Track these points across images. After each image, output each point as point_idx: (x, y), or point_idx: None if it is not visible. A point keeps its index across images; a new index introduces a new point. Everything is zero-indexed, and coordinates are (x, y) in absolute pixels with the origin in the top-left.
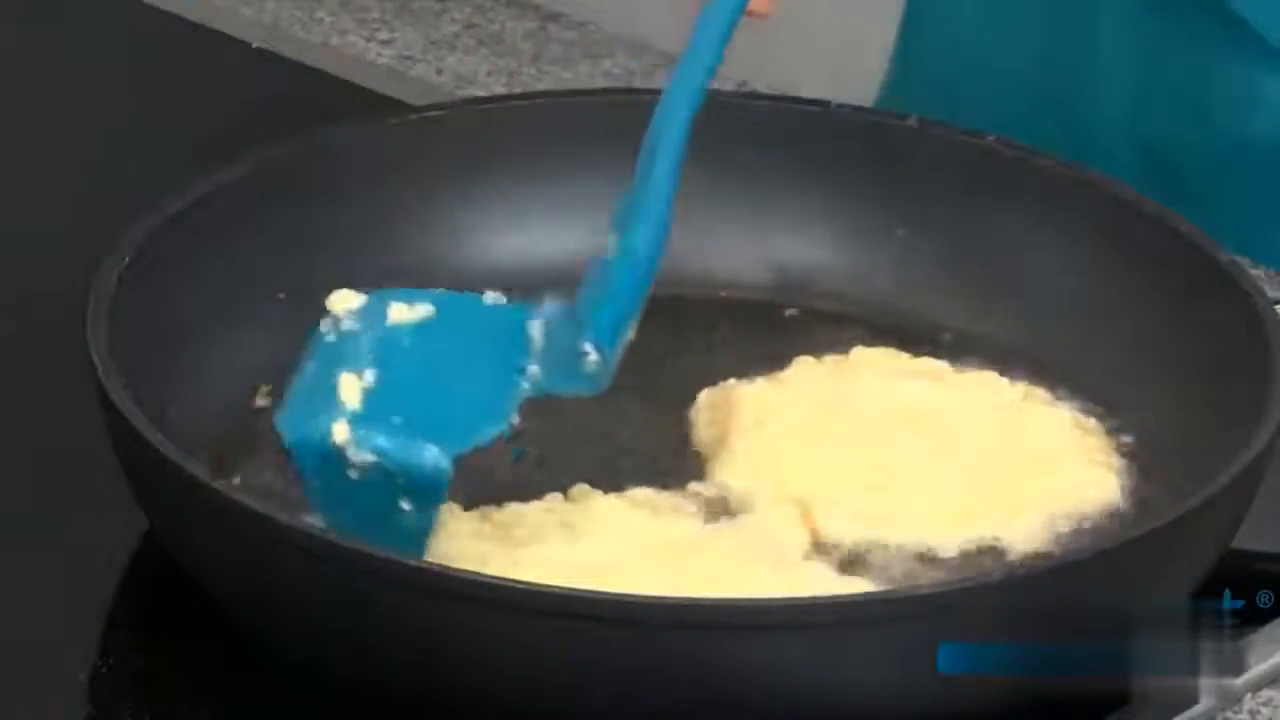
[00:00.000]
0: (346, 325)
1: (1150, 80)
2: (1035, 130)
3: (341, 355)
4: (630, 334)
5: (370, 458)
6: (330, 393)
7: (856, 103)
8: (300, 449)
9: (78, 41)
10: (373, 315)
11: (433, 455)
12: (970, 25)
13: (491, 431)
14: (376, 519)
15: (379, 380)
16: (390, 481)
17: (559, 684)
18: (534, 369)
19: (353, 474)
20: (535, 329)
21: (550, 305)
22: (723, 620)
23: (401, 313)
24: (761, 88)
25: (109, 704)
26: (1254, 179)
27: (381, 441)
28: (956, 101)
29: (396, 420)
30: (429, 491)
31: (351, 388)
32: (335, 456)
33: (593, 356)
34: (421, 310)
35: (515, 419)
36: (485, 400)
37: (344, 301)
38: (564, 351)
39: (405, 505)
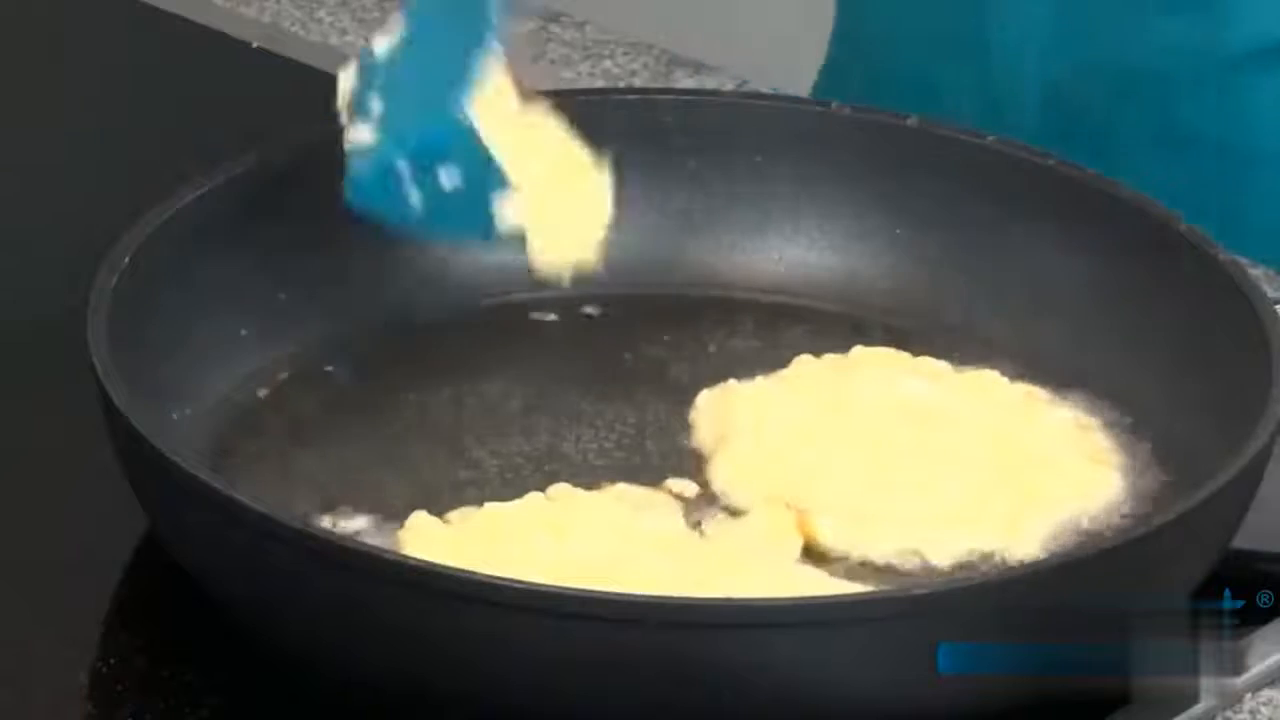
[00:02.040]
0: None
1: (1049, 24)
2: (946, 83)
3: (355, 111)
4: None
5: (405, 165)
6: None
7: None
8: (369, 203)
9: (78, 41)
10: (366, 67)
11: (446, 113)
12: None
13: (484, 57)
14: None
15: (385, 105)
16: (434, 166)
17: (557, 683)
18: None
19: (410, 192)
20: None
21: None
22: (723, 620)
23: (383, 42)
24: (761, 88)
25: (109, 704)
26: (1141, 112)
27: (387, 142)
28: (883, 69)
29: (412, 112)
30: (462, 145)
31: (361, 130)
32: (392, 183)
33: None
34: (396, 27)
35: (497, 45)
36: (469, 43)
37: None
38: None
39: (452, 177)
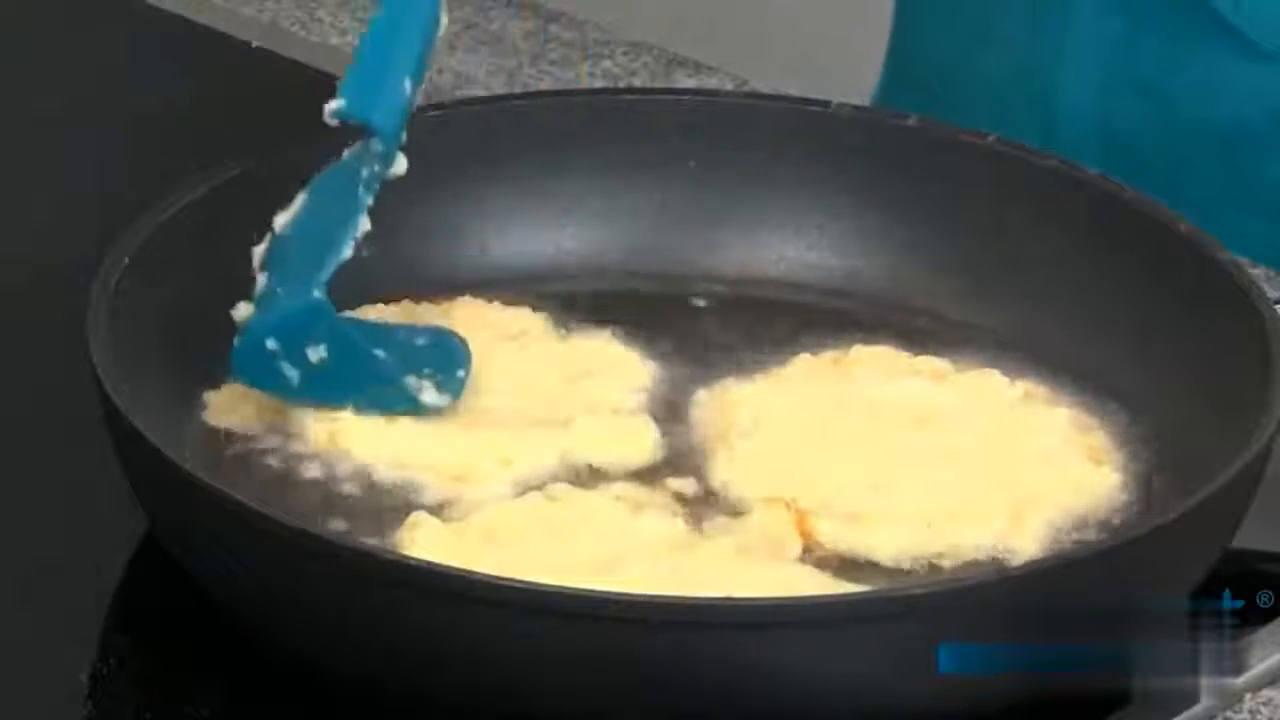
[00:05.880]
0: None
1: (1117, 75)
2: (1008, 128)
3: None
4: (411, 96)
5: (274, 344)
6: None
7: (856, 102)
8: (258, 381)
9: (78, 41)
10: (270, 239)
11: (305, 294)
12: (952, 27)
13: (347, 246)
14: (354, 379)
15: (268, 279)
16: (303, 344)
17: (557, 683)
18: (364, 172)
19: (285, 368)
20: (374, 143)
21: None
22: (724, 619)
23: (282, 218)
24: (762, 88)
25: (109, 704)
26: (1214, 165)
27: (258, 320)
28: (941, 103)
29: (279, 292)
30: (320, 326)
31: (240, 308)
32: (267, 359)
33: (331, 112)
34: (298, 201)
35: (366, 224)
36: (341, 222)
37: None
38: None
39: (322, 354)
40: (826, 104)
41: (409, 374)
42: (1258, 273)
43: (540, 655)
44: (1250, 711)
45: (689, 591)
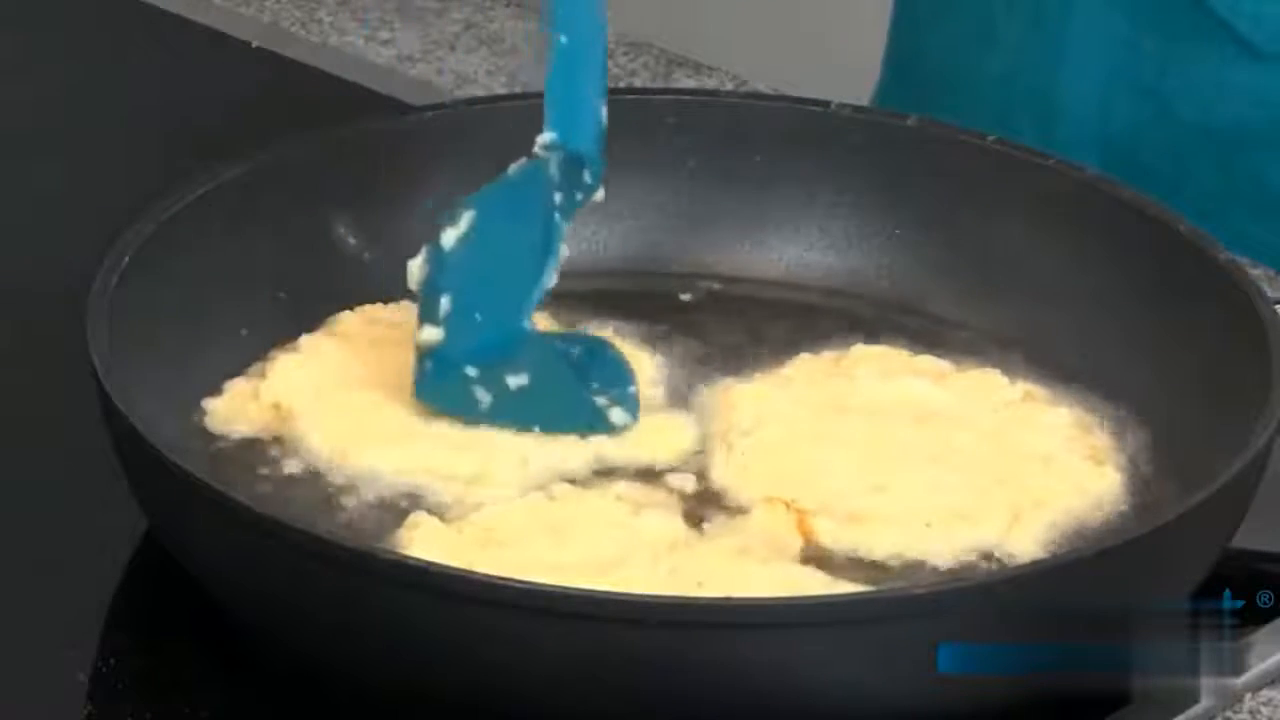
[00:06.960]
0: (418, 282)
1: (1117, 77)
2: (1008, 128)
3: (422, 310)
4: (602, 119)
5: (473, 370)
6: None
7: (856, 102)
8: (439, 401)
9: (78, 41)
10: (433, 257)
11: (511, 323)
12: (952, 27)
13: (551, 273)
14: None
15: (454, 303)
16: (503, 370)
17: (557, 683)
18: (558, 197)
19: (479, 392)
20: (552, 165)
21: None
22: (723, 620)
23: (450, 235)
24: (762, 88)
25: (109, 704)
26: (1214, 166)
27: (454, 346)
28: (941, 103)
29: (478, 319)
30: (524, 353)
31: (429, 331)
32: (460, 384)
33: (543, 144)
34: (465, 220)
35: (565, 250)
36: (538, 251)
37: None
38: (565, 166)
39: (523, 380)
40: (826, 104)
41: (588, 392)
42: (1258, 273)
43: (540, 655)
44: (1250, 711)
45: (689, 591)
